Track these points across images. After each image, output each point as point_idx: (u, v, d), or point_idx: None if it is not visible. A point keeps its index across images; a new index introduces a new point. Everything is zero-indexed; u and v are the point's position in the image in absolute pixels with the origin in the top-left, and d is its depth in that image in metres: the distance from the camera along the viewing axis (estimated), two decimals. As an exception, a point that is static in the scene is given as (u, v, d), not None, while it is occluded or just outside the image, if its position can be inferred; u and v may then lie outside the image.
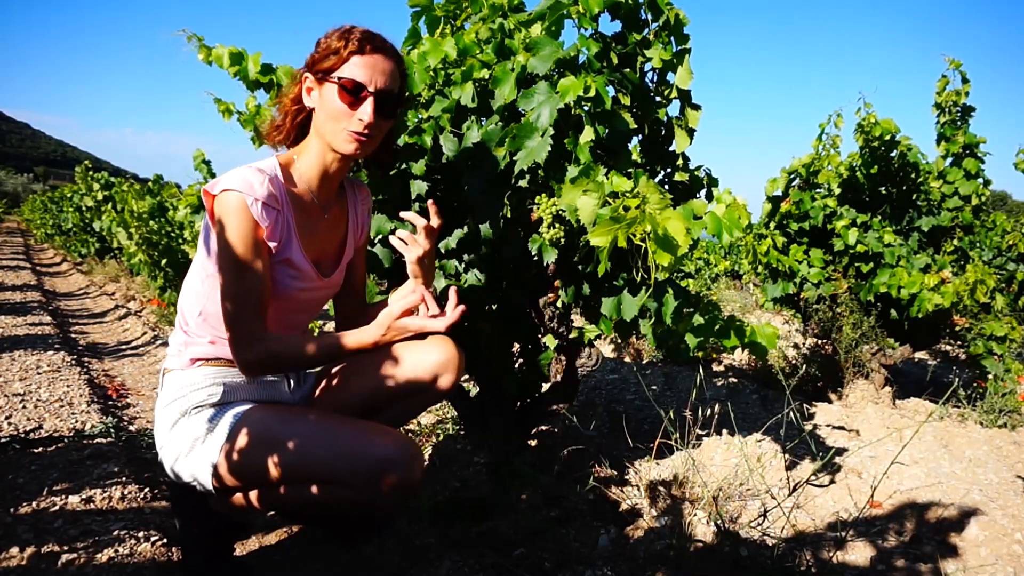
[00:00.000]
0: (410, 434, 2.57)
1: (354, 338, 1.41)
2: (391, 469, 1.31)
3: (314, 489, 1.35)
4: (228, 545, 1.56)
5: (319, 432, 1.36)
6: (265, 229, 1.36)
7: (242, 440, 1.37)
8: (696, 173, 2.03)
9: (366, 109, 1.37)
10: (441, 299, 1.62)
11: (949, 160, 3.84)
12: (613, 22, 1.78)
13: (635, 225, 1.33)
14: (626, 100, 1.67)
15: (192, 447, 1.41)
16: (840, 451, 2.62)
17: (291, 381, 1.60)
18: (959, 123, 3.77)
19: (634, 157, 1.96)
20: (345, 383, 1.61)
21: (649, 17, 1.76)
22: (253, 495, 1.42)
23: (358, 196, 1.64)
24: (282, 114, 1.48)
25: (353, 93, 1.37)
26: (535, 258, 1.75)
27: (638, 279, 1.49)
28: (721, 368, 4.60)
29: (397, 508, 1.85)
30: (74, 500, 1.83)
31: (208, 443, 1.40)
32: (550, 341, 2.02)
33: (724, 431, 2.74)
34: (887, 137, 3.67)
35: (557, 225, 1.65)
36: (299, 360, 1.41)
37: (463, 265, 1.93)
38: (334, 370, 1.66)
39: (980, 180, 3.75)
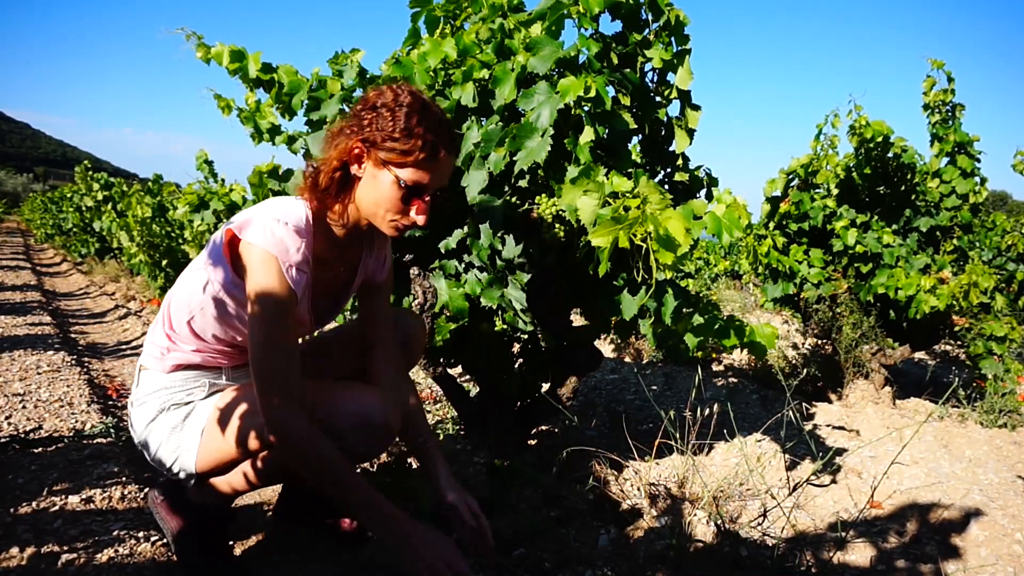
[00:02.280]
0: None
1: (384, 509, 1.29)
2: (370, 418, 1.35)
3: None
4: (224, 544, 1.56)
5: None
6: (295, 292, 1.30)
7: (223, 413, 1.40)
8: (696, 173, 2.03)
9: (422, 207, 1.31)
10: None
11: (944, 160, 3.84)
12: (613, 22, 1.78)
13: (636, 225, 1.33)
14: (626, 100, 1.68)
15: (172, 432, 1.45)
16: (840, 451, 2.62)
17: None
18: (950, 122, 3.77)
19: (634, 157, 1.96)
20: (328, 367, 1.62)
21: (649, 17, 1.76)
22: (235, 478, 1.44)
23: (375, 232, 1.45)
24: (323, 171, 1.33)
25: (413, 194, 1.30)
26: (535, 258, 1.75)
27: (639, 279, 1.49)
28: (721, 368, 4.60)
29: (376, 457, 1.85)
30: (74, 500, 1.83)
31: (189, 425, 1.44)
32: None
33: (724, 431, 2.74)
34: (879, 139, 3.67)
35: (557, 225, 1.65)
36: (320, 471, 1.27)
37: (463, 265, 1.93)
38: (320, 359, 1.65)
39: (976, 178, 3.75)
